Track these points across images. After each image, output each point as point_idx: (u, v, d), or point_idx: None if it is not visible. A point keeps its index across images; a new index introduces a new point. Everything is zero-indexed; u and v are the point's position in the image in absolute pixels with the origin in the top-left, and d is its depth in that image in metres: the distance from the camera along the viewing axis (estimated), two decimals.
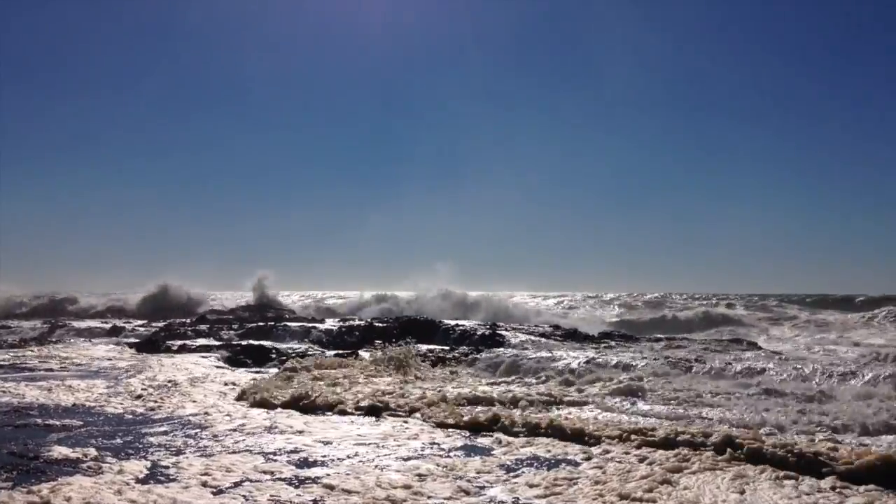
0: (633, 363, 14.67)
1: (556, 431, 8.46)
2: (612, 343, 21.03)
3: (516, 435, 8.54)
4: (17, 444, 7.85)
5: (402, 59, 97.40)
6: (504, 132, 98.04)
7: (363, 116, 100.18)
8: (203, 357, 18.08)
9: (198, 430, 8.85)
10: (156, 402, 10.86)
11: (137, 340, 22.80)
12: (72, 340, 23.06)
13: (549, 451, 7.77)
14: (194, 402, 11.00)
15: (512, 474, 6.82)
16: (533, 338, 21.84)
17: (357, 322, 26.52)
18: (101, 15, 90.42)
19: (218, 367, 16.34)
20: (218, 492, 6.07)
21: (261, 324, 26.30)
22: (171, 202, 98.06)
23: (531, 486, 6.34)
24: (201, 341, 21.78)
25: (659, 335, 24.29)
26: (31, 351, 19.29)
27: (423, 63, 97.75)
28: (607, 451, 7.53)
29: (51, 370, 15.45)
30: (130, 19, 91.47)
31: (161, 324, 28.20)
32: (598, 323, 32.74)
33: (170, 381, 13.14)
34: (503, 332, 22.48)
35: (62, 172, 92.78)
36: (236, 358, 17.94)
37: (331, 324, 26.24)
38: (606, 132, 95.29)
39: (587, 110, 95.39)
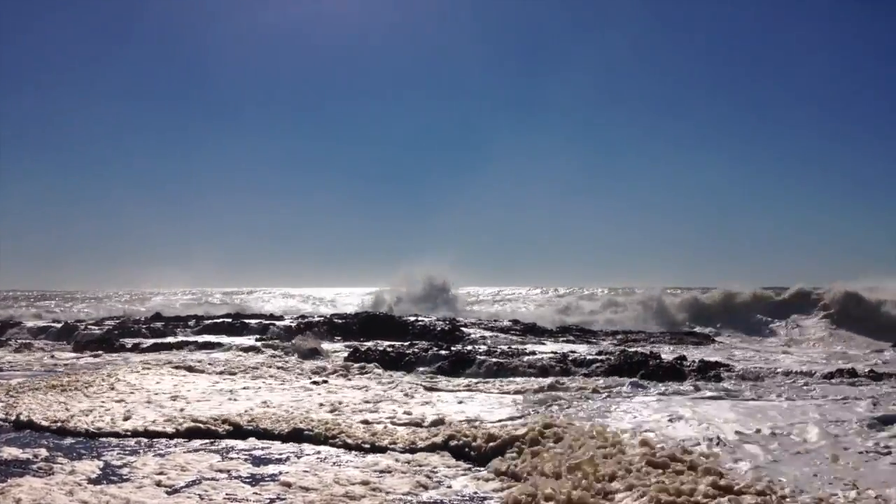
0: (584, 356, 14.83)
1: None
2: (571, 337, 21.24)
3: None
4: None
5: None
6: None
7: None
8: (162, 354, 17.77)
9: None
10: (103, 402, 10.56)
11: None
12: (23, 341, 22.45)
13: None
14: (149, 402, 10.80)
15: (479, 466, 6.85)
16: (492, 333, 21.95)
17: (316, 318, 26.35)
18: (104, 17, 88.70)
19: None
20: (173, 491, 5.98)
21: (218, 321, 26.01)
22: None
23: (486, 480, 6.38)
24: (165, 339, 21.45)
25: (616, 329, 24.58)
26: None
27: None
28: None
29: (1, 369, 15.16)
30: (135, 23, 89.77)
31: (113, 322, 27.66)
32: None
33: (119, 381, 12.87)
34: (463, 328, 22.56)
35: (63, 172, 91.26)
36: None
37: (290, 320, 26.05)
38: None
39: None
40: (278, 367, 14.37)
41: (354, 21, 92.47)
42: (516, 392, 11.25)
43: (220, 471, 6.69)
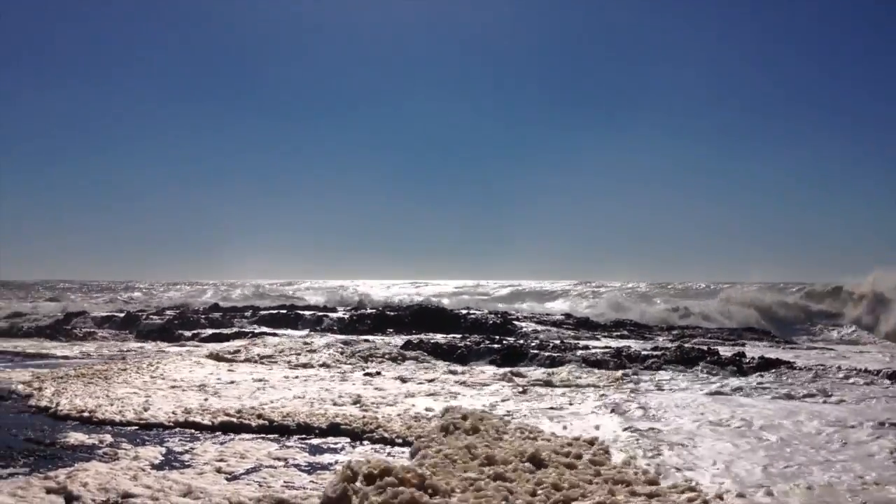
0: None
1: None
2: (626, 332, 20.97)
3: None
4: (33, 430, 7.91)
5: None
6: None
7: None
8: (217, 344, 18.14)
9: None
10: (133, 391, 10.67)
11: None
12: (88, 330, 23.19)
13: None
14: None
15: None
16: (544, 327, 21.82)
17: (369, 310, 26.58)
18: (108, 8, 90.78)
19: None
20: (232, 478, 6.08)
21: (273, 312, 26.42)
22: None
23: None
24: (216, 330, 21.92)
25: (672, 325, 24.18)
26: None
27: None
28: None
29: (67, 357, 15.71)
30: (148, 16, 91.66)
31: (173, 312, 28.33)
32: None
33: (158, 370, 13.18)
34: (515, 322, 22.48)
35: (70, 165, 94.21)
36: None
37: (343, 312, 26.33)
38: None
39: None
40: (329, 359, 14.49)
41: (420, 15, 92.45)
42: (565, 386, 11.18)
43: (278, 459, 6.78)
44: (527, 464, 5.96)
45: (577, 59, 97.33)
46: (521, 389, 10.80)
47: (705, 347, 14.93)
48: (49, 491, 5.48)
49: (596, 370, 12.55)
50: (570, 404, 9.50)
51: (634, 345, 16.81)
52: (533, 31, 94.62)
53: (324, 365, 13.81)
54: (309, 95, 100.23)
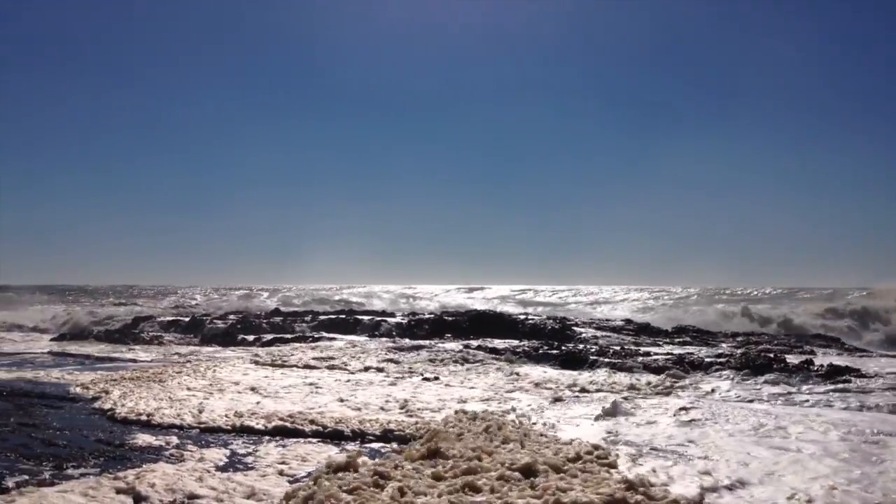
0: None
1: None
2: (688, 338, 20.49)
3: None
4: (102, 431, 8.16)
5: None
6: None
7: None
8: (276, 348, 18.42)
9: None
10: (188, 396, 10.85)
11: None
12: (155, 334, 23.85)
13: None
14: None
15: None
16: (604, 332, 21.50)
17: (426, 315, 26.62)
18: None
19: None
20: (294, 480, 6.14)
21: (332, 316, 26.70)
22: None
23: None
24: (279, 335, 22.26)
25: (736, 331, 23.54)
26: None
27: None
28: None
29: (135, 360, 16.19)
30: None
31: (236, 317, 28.88)
32: None
33: (213, 375, 13.42)
34: (574, 327, 22.22)
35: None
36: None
37: (401, 317, 26.44)
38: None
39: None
40: (385, 363, 14.57)
41: (496, 18, 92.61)
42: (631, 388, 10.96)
43: None
44: (516, 473, 5.74)
45: (637, 68, 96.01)
46: (559, 395, 10.65)
47: (771, 354, 14.48)
48: (118, 491, 5.63)
49: (653, 376, 12.33)
50: (615, 412, 9.10)
51: (697, 351, 16.41)
52: (602, 37, 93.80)
53: (379, 369, 13.89)
54: (378, 101, 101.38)
